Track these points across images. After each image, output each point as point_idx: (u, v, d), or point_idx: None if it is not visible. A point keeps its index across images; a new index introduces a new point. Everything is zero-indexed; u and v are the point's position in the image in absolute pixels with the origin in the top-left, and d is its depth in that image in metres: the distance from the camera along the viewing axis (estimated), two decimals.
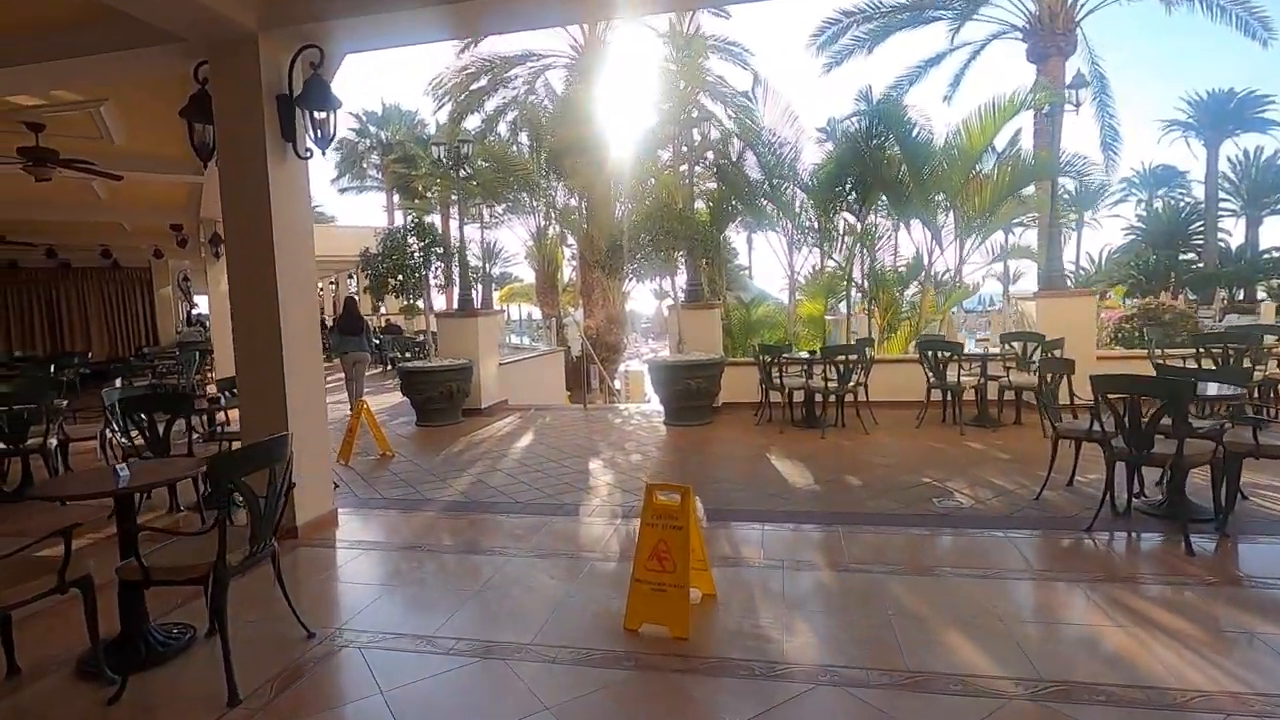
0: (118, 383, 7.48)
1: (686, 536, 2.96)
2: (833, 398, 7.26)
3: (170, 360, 13.06)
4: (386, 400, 10.61)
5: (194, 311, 25.07)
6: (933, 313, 11.84)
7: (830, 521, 4.43)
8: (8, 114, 6.24)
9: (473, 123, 22.19)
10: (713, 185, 15.78)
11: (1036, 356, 7.17)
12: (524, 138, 21.06)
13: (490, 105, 21.91)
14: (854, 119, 13.43)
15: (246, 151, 4.32)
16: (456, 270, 9.11)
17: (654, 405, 9.43)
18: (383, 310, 25.47)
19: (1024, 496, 4.79)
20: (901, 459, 6.04)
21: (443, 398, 8.44)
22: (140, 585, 2.76)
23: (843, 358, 7.16)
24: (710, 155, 14.42)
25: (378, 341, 17.02)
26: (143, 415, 4.72)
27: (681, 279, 10.98)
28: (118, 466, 3.21)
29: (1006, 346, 7.93)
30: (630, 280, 21.20)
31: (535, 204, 22.34)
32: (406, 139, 30.19)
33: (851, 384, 7.13)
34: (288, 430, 3.85)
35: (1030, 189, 12.04)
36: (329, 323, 13.16)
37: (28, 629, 3.03)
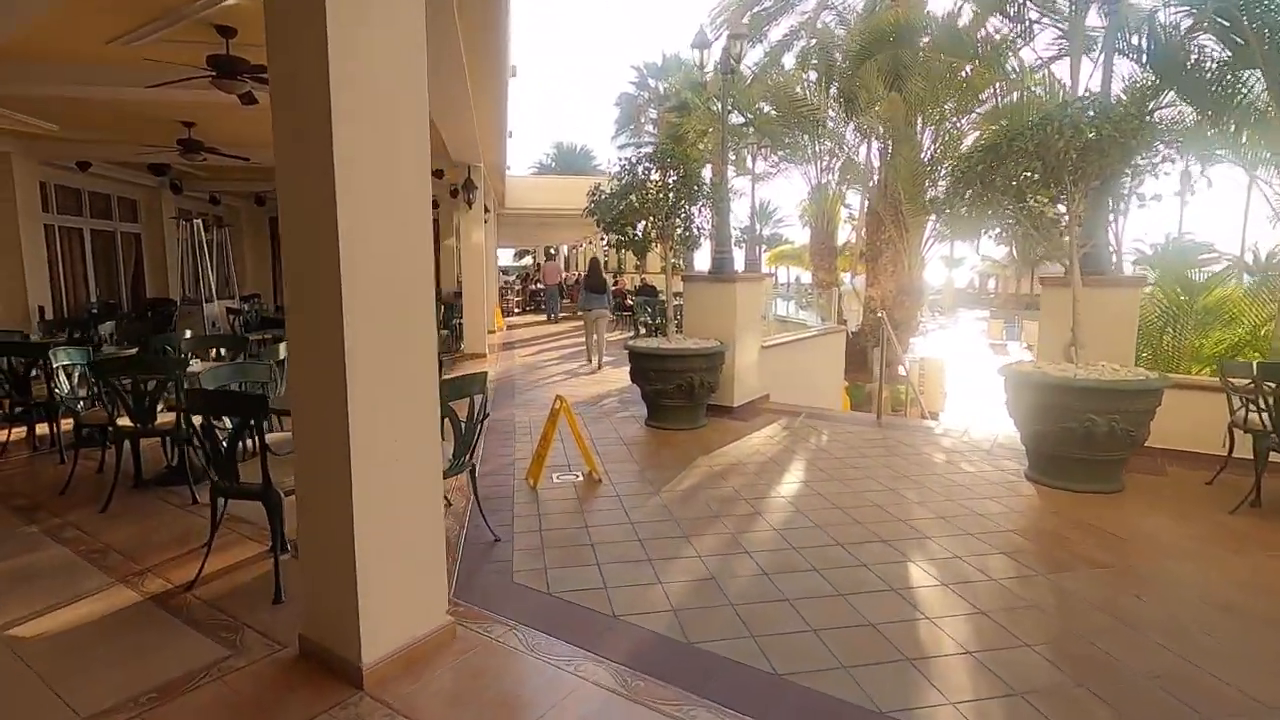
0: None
1: None
2: None
3: None
4: (617, 378, 8.73)
5: None
6: None
7: None
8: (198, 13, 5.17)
9: (754, 56, 19.48)
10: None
11: None
12: (811, 74, 17.83)
13: (775, 34, 18.96)
14: None
15: None
16: (710, 221, 6.62)
17: (992, 433, 6.12)
18: (639, 267, 24.35)
19: None
20: None
21: (681, 393, 6.15)
22: None
23: None
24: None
25: (630, 303, 15.66)
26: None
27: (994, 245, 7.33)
28: None
29: None
30: (930, 242, 17.08)
31: (818, 148, 19.09)
32: (683, 86, 28.49)
33: None
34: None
35: None
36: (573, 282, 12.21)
37: None
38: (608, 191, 6.25)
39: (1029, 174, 4.37)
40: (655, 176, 6.30)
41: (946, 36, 13.46)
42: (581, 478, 4.92)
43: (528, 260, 36.22)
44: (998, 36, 12.48)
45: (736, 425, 6.52)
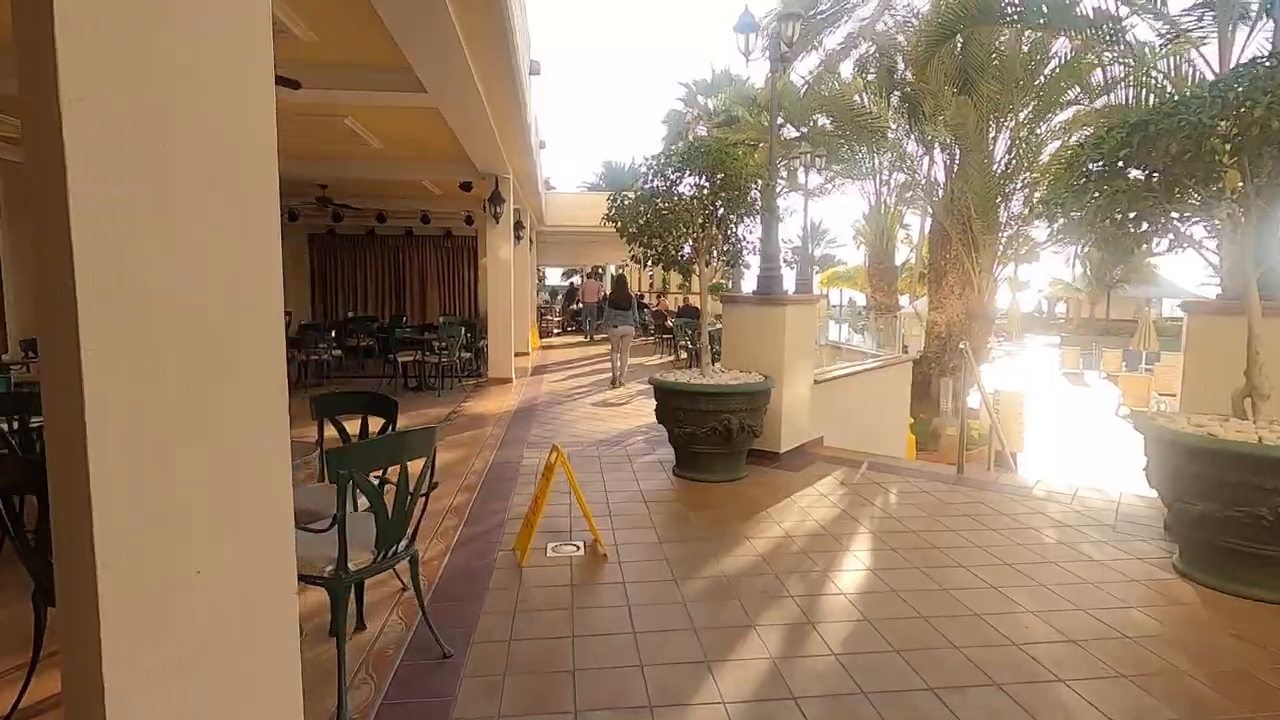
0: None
1: None
2: None
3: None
4: (648, 409, 7.69)
5: None
6: None
7: None
8: None
9: (809, 64, 18.41)
10: None
11: None
12: (870, 78, 16.62)
13: (831, 41, 17.84)
14: None
15: None
16: (757, 235, 5.58)
17: (1107, 493, 4.83)
18: (684, 286, 23.29)
19: None
20: None
21: (716, 438, 5.07)
22: None
23: None
24: None
25: (670, 325, 14.65)
26: None
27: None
28: None
29: None
30: (1004, 265, 15.51)
31: (877, 162, 17.82)
32: (734, 100, 27.59)
33: None
34: None
35: None
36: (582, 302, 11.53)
37: None
38: (632, 196, 5.25)
39: (1210, 155, 3.09)
40: (690, 179, 5.28)
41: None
42: (583, 550, 3.88)
43: (576, 280, 35.76)
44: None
45: (783, 478, 5.38)
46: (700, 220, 5.39)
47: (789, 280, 7.20)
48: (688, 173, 5.26)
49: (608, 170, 49.53)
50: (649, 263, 5.59)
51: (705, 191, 5.29)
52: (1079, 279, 41.96)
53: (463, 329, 9.95)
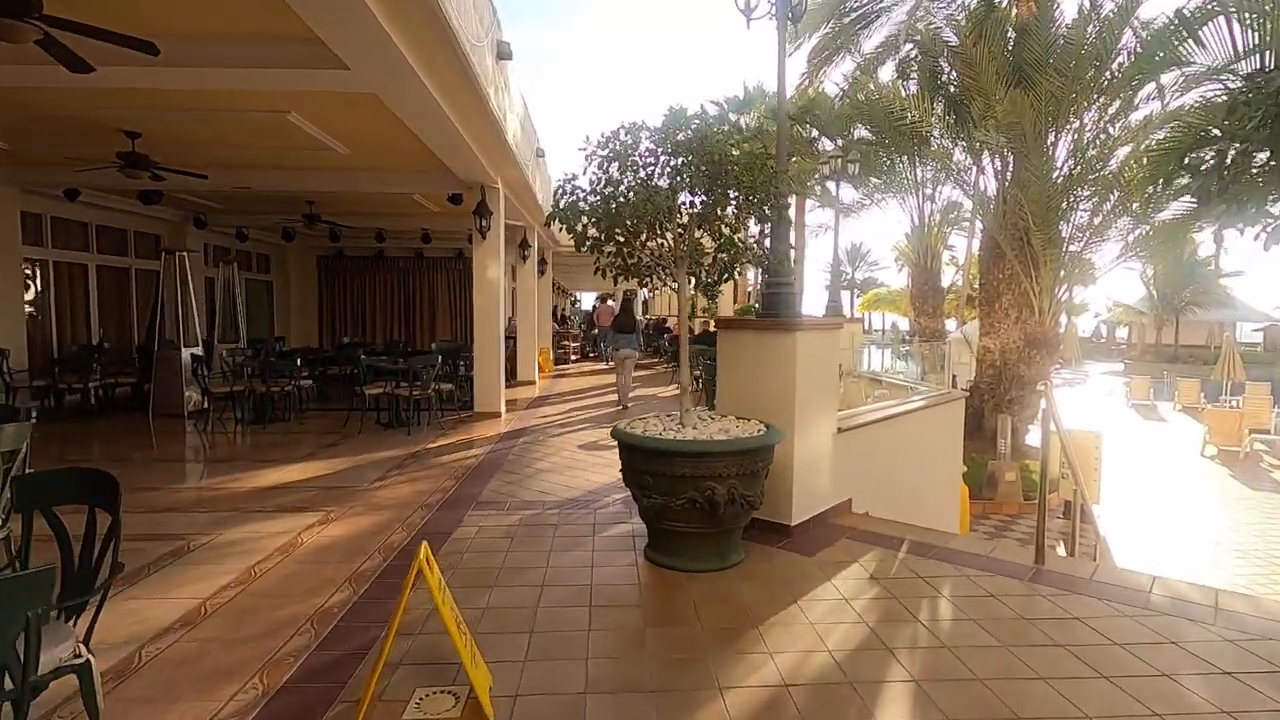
0: None
1: None
2: None
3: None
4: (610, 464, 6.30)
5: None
6: None
7: None
8: None
9: (844, 69, 17.05)
10: None
11: None
12: (912, 86, 15.18)
13: (869, 45, 16.48)
14: None
15: None
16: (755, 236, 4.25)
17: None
18: (708, 310, 21.86)
19: None
20: None
21: (696, 513, 3.68)
22: None
23: None
24: None
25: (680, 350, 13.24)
26: None
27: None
28: None
29: None
30: (1069, 284, 13.64)
31: (920, 175, 16.27)
32: (766, 115, 26.33)
33: None
34: None
35: None
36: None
37: None
38: (587, 186, 3.93)
39: None
40: (668, 164, 3.96)
41: None
42: (460, 707, 2.52)
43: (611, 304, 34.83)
44: None
45: (792, 567, 3.94)
46: (684, 219, 4.07)
47: (809, 302, 5.81)
48: (661, 155, 3.93)
49: None
50: (616, 276, 4.25)
51: (690, 179, 3.95)
52: (1142, 301, 39.19)
53: (440, 357, 8.74)
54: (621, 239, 3.89)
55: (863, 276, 70.05)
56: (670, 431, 3.94)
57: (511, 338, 15.28)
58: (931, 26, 14.46)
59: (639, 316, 14.76)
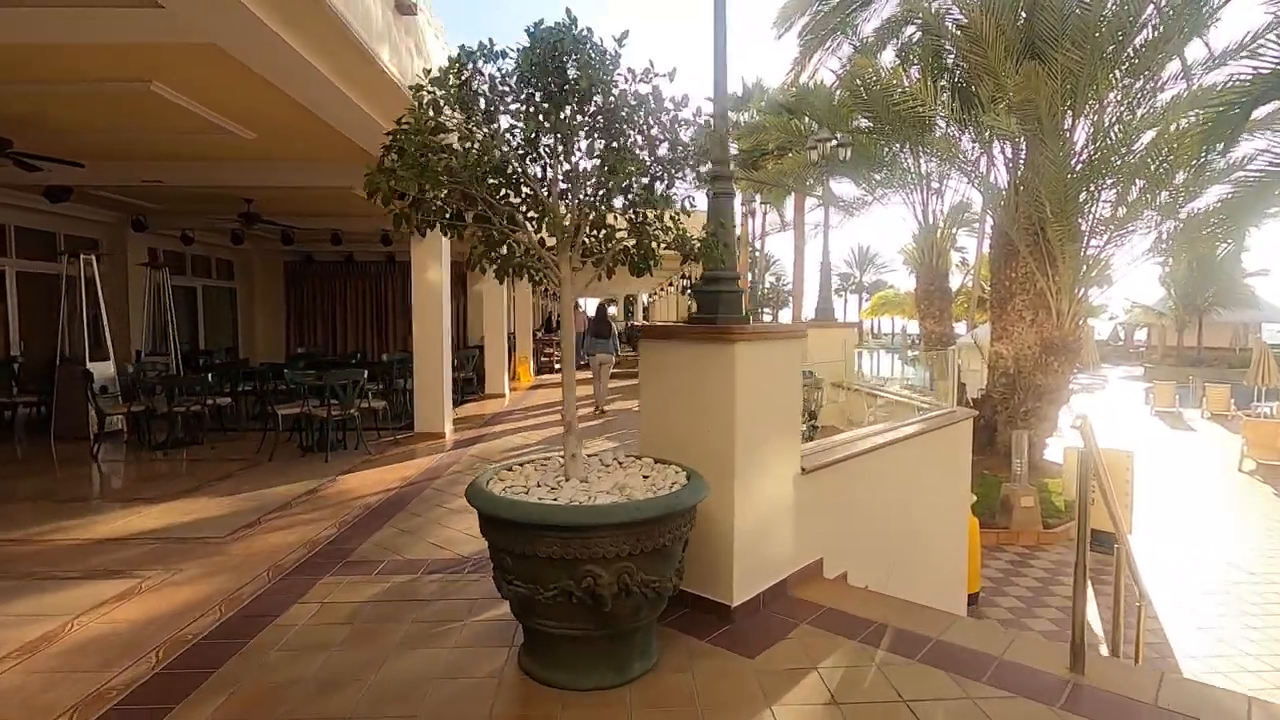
0: None
1: None
2: None
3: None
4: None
5: None
6: None
7: None
8: None
9: (842, 55, 15.87)
10: None
11: None
12: (915, 72, 13.97)
13: (868, 27, 15.29)
14: None
15: None
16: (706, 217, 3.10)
17: None
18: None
19: None
20: None
21: (572, 607, 2.51)
22: None
23: None
24: None
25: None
26: None
27: None
28: None
29: None
30: (1089, 283, 12.23)
31: (924, 167, 15.03)
32: (763, 111, 25.18)
33: None
34: None
35: None
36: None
37: None
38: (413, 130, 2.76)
39: None
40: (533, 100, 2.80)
41: None
42: None
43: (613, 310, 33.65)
44: None
45: (724, 678, 2.77)
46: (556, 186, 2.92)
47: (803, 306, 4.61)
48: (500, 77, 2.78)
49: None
50: (498, 273, 3.10)
51: (556, 123, 2.79)
52: (1160, 302, 37.58)
53: (366, 372, 7.61)
54: (467, 211, 2.73)
55: (871, 279, 68.66)
56: (545, 487, 2.78)
57: (479, 346, 14.19)
58: (935, 3, 13.24)
59: (617, 320, 13.79)
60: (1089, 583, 2.92)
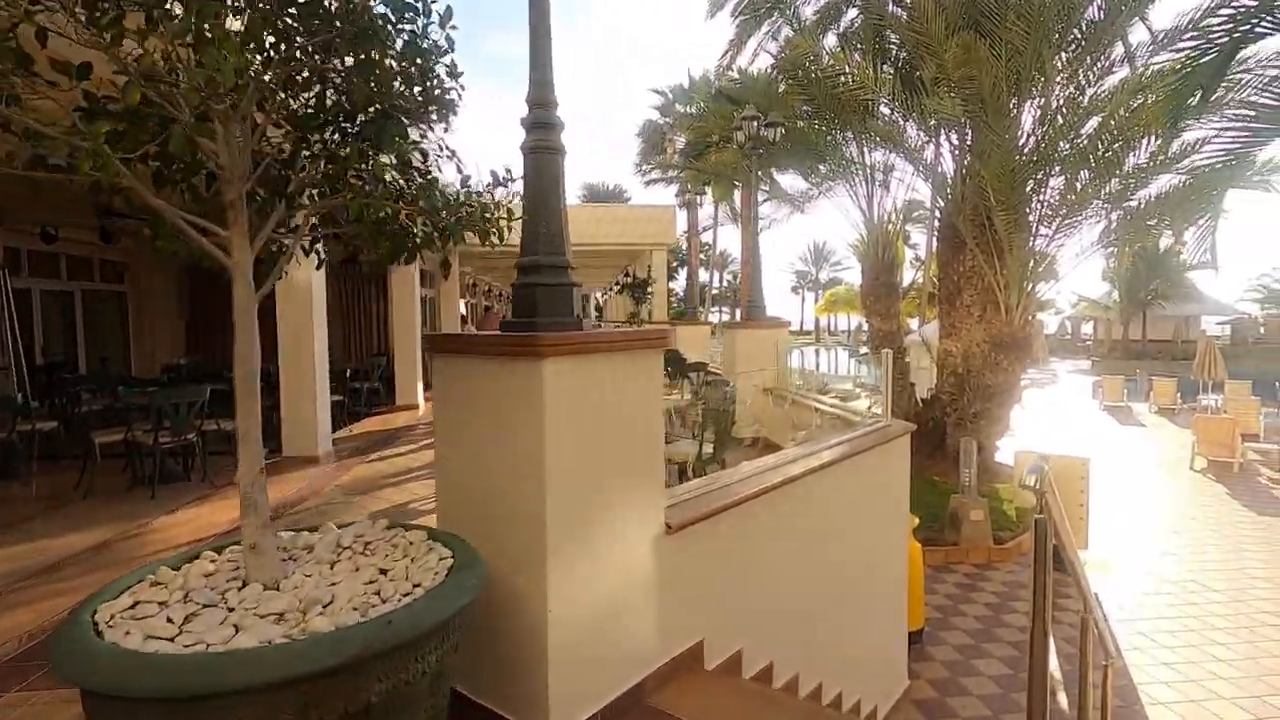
0: None
1: None
2: None
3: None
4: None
5: None
6: None
7: None
8: None
9: (782, 39, 15.08)
10: None
11: None
12: (857, 57, 13.22)
13: (808, 10, 14.49)
14: None
15: None
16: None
17: None
18: (634, 314, 19.74)
19: None
20: None
21: None
22: None
23: None
24: None
25: None
26: None
27: None
28: None
29: None
30: (1039, 277, 11.63)
31: (868, 156, 14.31)
32: (705, 101, 24.39)
33: None
34: None
35: None
36: None
37: None
38: None
39: None
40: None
41: None
42: None
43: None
44: None
45: None
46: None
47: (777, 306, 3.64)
48: None
49: (590, 194, 46.73)
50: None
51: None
52: (1105, 296, 38.06)
53: (208, 389, 6.39)
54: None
55: (827, 276, 68.74)
56: (210, 604, 1.73)
57: (386, 355, 12.99)
58: None
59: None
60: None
